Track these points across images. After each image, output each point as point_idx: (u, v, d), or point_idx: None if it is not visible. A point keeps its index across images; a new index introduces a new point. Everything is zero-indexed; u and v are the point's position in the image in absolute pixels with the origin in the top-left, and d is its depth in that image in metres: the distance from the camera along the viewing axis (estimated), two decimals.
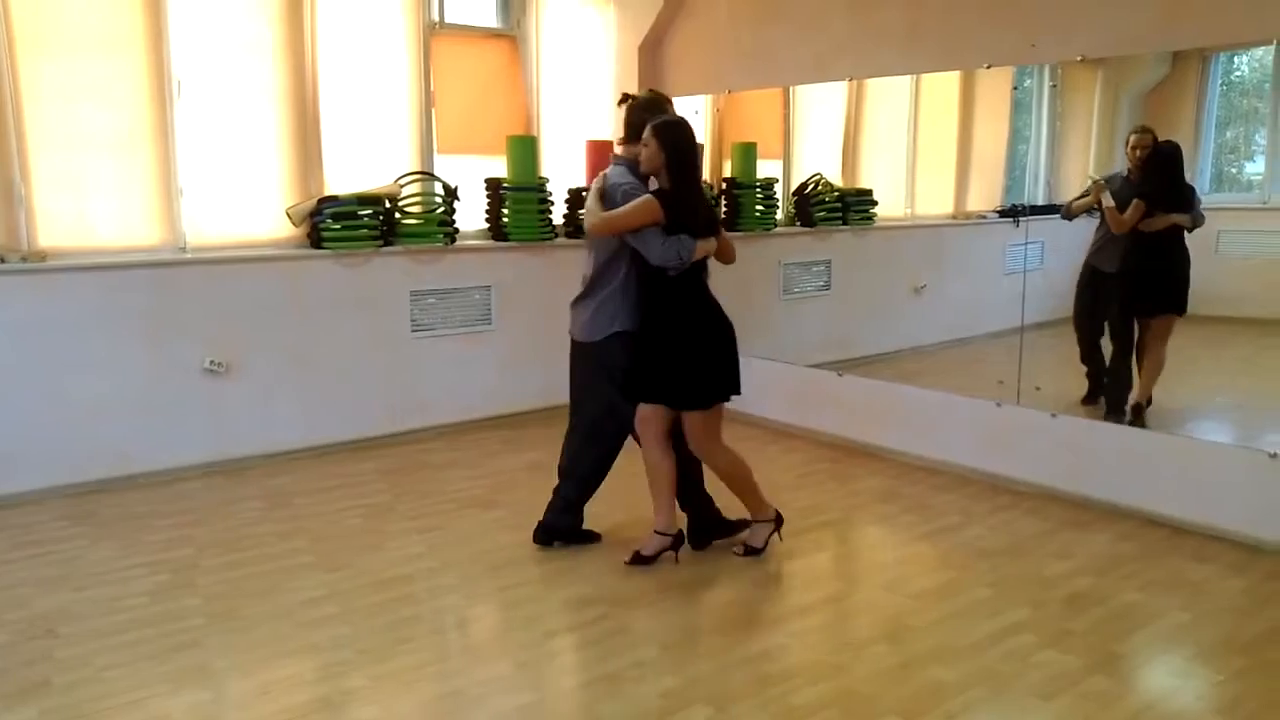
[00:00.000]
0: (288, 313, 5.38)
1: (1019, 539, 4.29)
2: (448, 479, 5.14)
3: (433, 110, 6.00)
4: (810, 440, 5.80)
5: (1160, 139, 4.90)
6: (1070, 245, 5.60)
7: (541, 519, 4.19)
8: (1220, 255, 5.09)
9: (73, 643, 3.34)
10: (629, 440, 4.13)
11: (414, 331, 5.84)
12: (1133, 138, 4.94)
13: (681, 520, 4.11)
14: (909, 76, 5.73)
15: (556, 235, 6.38)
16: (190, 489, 4.95)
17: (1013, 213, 5.41)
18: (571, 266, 6.38)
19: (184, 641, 3.35)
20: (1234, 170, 5.26)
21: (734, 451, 4.02)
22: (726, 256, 3.95)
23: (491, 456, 5.54)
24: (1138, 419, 4.85)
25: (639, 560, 3.95)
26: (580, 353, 4.13)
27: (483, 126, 6.26)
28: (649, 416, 3.92)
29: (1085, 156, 5.57)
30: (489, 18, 6.35)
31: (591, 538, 4.22)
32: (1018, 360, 5.00)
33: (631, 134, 3.90)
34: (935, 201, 6.26)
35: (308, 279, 5.45)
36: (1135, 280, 4.98)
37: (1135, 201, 4.84)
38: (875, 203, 6.26)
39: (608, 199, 3.81)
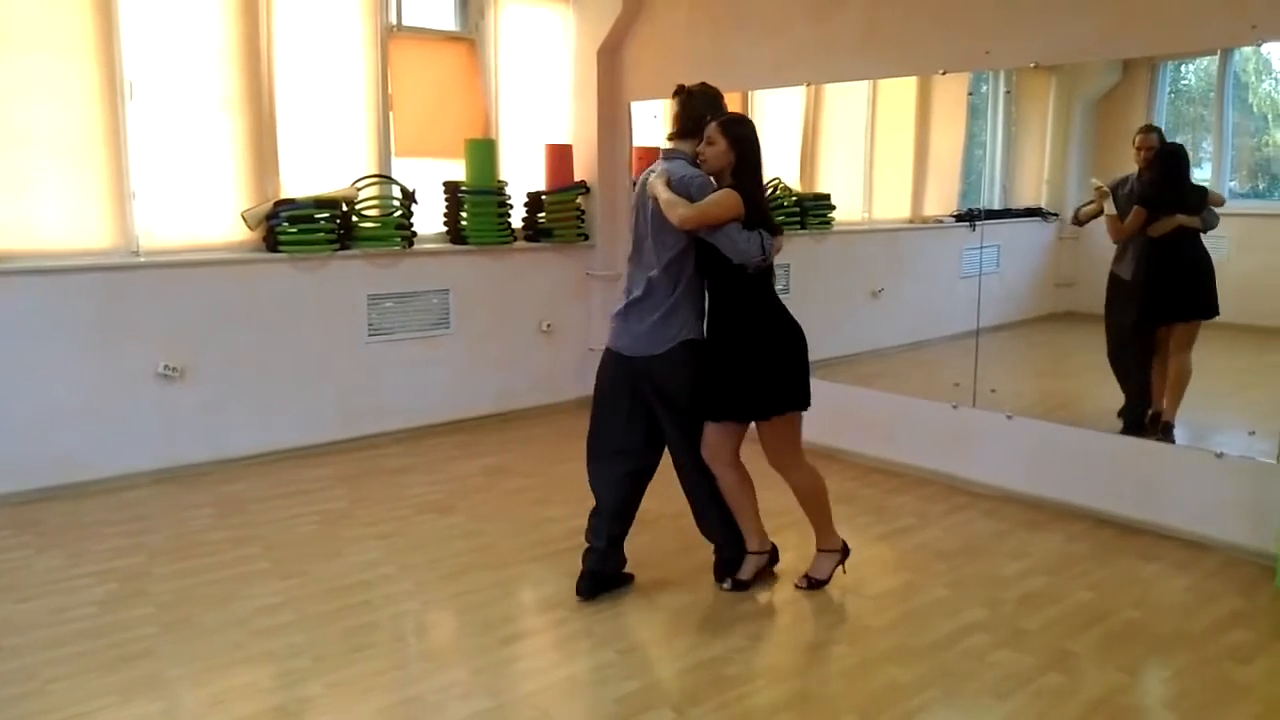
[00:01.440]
0: (243, 317, 5.32)
1: (975, 540, 4.34)
2: (405, 484, 5.10)
3: (390, 113, 5.95)
4: None
5: (1165, 141, 4.74)
6: (1026, 249, 5.67)
7: (586, 568, 3.74)
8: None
9: (17, 655, 3.27)
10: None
11: (371, 335, 5.80)
12: (1137, 138, 4.75)
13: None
14: (866, 82, 5.78)
15: (515, 239, 6.36)
16: (142, 496, 4.87)
17: (969, 217, 5.46)
18: (530, 270, 6.44)
19: (134, 651, 3.29)
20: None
21: (815, 469, 3.83)
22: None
23: (449, 461, 5.50)
24: (1165, 434, 4.64)
25: (739, 586, 3.78)
26: (631, 370, 3.67)
27: (441, 129, 6.22)
28: (723, 439, 3.67)
29: (1040, 160, 5.64)
30: (447, 21, 6.32)
31: (627, 580, 3.86)
32: (973, 363, 5.06)
33: (691, 127, 3.63)
34: (892, 206, 6.31)
35: (263, 283, 5.39)
36: (1152, 287, 4.75)
37: (1135, 208, 4.68)
38: (833, 207, 6.30)
39: (684, 193, 3.51)
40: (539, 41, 6.57)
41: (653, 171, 3.65)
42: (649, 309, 3.62)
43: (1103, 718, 2.94)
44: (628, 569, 3.84)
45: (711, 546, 3.90)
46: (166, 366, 5.07)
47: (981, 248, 5.25)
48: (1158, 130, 4.74)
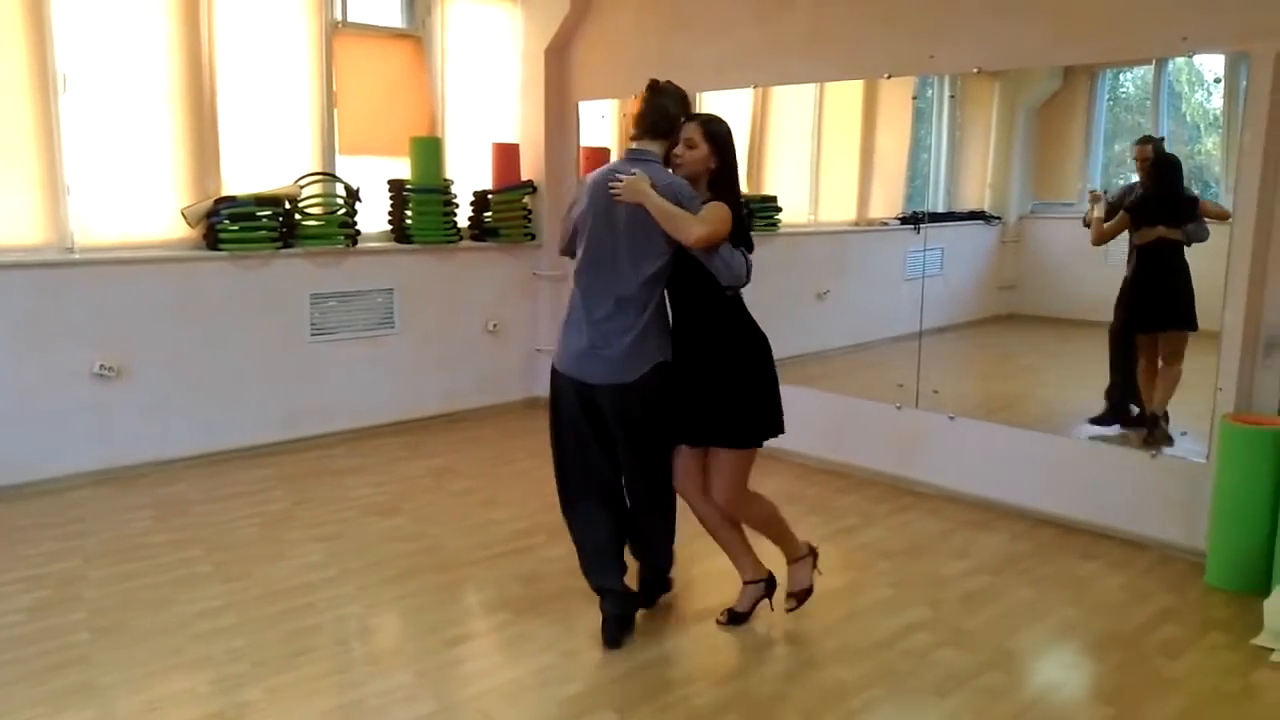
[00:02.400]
0: (182, 316, 5.22)
1: (919, 539, 4.39)
2: (348, 486, 5.05)
3: (335, 110, 5.88)
4: None
5: (1159, 148, 4.77)
6: (969, 251, 5.75)
7: (608, 613, 3.41)
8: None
9: None
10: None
11: (314, 335, 5.72)
12: (1134, 149, 4.80)
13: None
14: (813, 84, 5.82)
15: (461, 238, 6.32)
16: (79, 498, 4.76)
17: (914, 220, 5.52)
18: (476, 269, 6.40)
19: (66, 659, 3.22)
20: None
21: (761, 496, 3.59)
22: None
23: (394, 462, 5.45)
24: (1153, 429, 4.65)
25: (736, 618, 3.54)
26: (594, 399, 3.32)
27: (386, 127, 6.16)
28: (696, 466, 3.44)
29: (983, 164, 5.73)
30: (393, 17, 6.25)
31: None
32: (916, 364, 5.12)
33: (665, 127, 3.30)
34: (838, 208, 6.36)
35: (203, 281, 5.29)
36: (1135, 294, 4.78)
37: (1120, 214, 4.73)
38: (779, 209, 6.33)
39: (675, 202, 3.17)
40: (486, 40, 6.53)
41: (616, 173, 3.25)
42: (619, 331, 3.25)
43: (1039, 714, 2.99)
44: (632, 592, 3.56)
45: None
46: (102, 366, 4.97)
47: (925, 250, 5.31)
48: (1154, 141, 4.75)
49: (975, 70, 4.81)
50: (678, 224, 3.12)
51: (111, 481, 4.98)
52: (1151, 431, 4.66)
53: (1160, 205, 4.63)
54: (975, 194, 5.72)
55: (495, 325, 6.51)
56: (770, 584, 3.61)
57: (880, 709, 3.01)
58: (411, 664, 3.25)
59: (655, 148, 3.32)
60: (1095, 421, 4.86)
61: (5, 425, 4.74)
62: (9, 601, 3.64)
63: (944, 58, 4.84)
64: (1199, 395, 4.18)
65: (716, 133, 3.28)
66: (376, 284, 5.95)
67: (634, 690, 3.08)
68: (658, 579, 3.72)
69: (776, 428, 3.46)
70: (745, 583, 3.59)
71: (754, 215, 6.38)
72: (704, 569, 4.05)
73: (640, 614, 3.59)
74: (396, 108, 6.23)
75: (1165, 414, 4.64)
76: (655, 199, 3.14)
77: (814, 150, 6.22)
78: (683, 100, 3.38)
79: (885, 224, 6.13)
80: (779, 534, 3.61)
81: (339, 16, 5.87)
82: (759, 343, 3.42)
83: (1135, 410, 4.81)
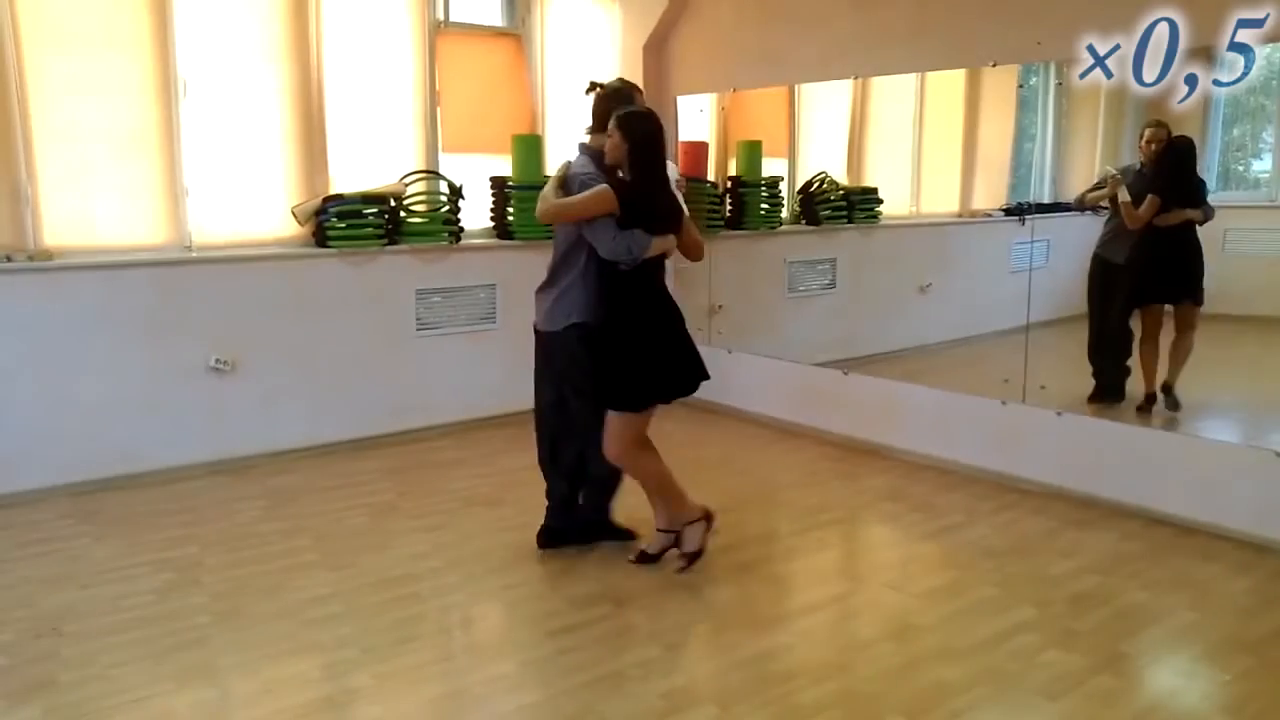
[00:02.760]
0: (293, 311, 5.39)
1: (1024, 538, 4.28)
2: (452, 477, 5.14)
3: (438, 109, 6.00)
4: (815, 439, 5.79)
5: (1174, 134, 4.86)
6: (1076, 243, 5.57)
7: (544, 523, 4.16)
8: (1226, 251, 5.06)
9: (78, 641, 3.35)
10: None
11: (419, 330, 5.85)
12: (1147, 132, 4.90)
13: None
14: (914, 75, 5.72)
15: None
16: (194, 488, 4.95)
17: (1018, 211, 5.38)
18: None
19: (189, 640, 3.36)
20: (1240, 168, 5.24)
21: (654, 455, 3.90)
22: (692, 253, 3.89)
23: (497, 455, 5.54)
24: (1170, 404, 4.87)
25: (645, 559, 3.94)
26: (540, 342, 4.05)
27: (488, 125, 6.26)
28: (621, 428, 3.80)
29: (1091, 154, 5.55)
30: (494, 17, 6.34)
31: (611, 534, 4.19)
32: (1023, 359, 4.99)
33: (598, 123, 3.84)
34: (941, 199, 6.24)
35: (313, 278, 5.45)
36: (1148, 271, 4.96)
37: (1150, 197, 4.82)
38: (880, 201, 6.25)
39: (567, 187, 3.73)
40: (585, 36, 6.58)
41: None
42: (551, 291, 3.90)
43: None
44: (629, 527, 4.16)
45: (757, 544, 3.99)
46: (218, 360, 5.16)
47: (1031, 242, 5.17)
48: (1166, 125, 4.84)
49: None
50: (540, 203, 3.75)
51: (225, 472, 5.17)
52: (1167, 400, 4.87)
53: (1186, 187, 4.81)
54: (1083, 184, 5.53)
55: None
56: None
57: (986, 709, 2.94)
58: (515, 654, 3.30)
59: (596, 141, 3.83)
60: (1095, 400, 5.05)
61: (127, 417, 4.96)
62: (138, 583, 3.81)
63: (1051, 44, 4.70)
64: None
65: (626, 124, 3.64)
66: (479, 280, 6.05)
67: (735, 684, 3.07)
68: (599, 520, 4.17)
69: (650, 398, 3.78)
70: (658, 530, 3.95)
71: (855, 207, 6.32)
72: (804, 564, 4.02)
73: (745, 607, 3.63)
74: (498, 106, 6.32)
75: (1169, 387, 4.91)
76: (547, 187, 3.75)
77: (915, 141, 6.12)
78: (622, 96, 3.86)
79: (989, 215, 5.99)
80: (671, 497, 3.90)
81: (441, 16, 5.98)
82: (653, 316, 3.76)
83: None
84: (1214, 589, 3.77)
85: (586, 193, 3.64)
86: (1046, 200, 5.43)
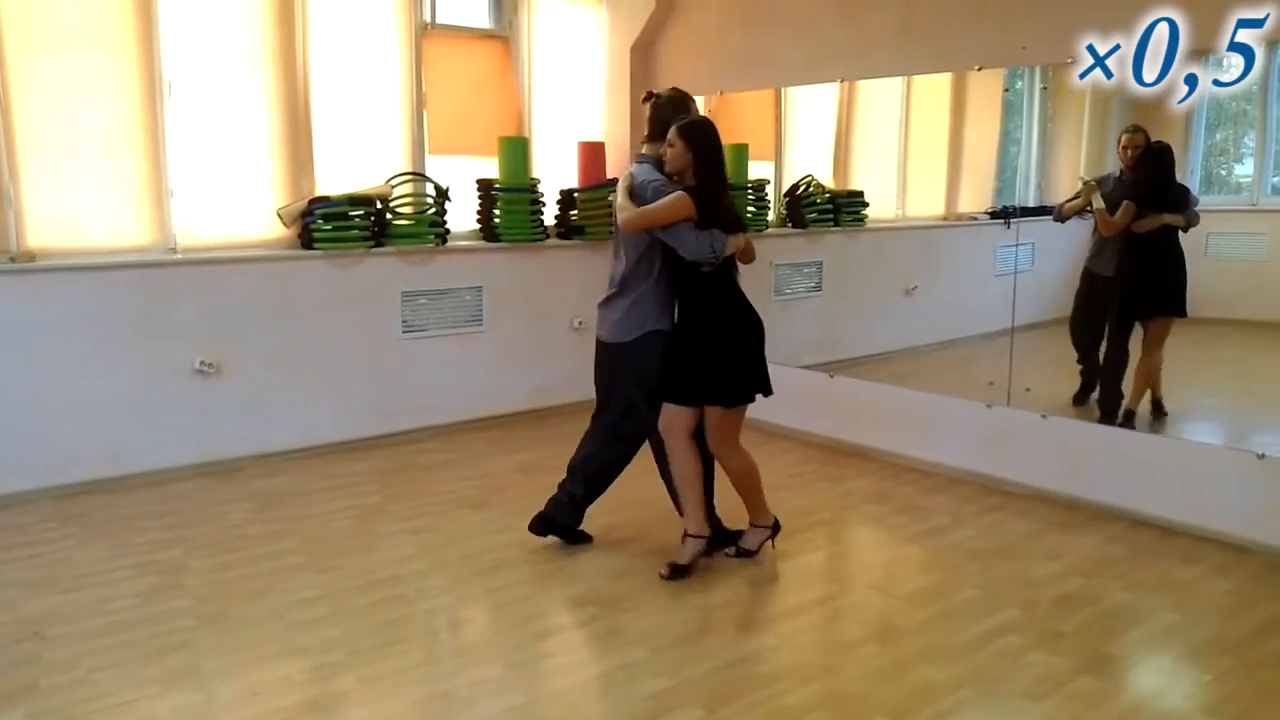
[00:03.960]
0: (278, 313, 5.37)
1: (1009, 540, 4.30)
2: (439, 480, 5.14)
3: (424, 111, 5.99)
4: (802, 441, 5.81)
5: (1152, 139, 4.86)
6: (1061, 247, 5.61)
7: (543, 509, 4.15)
8: (1211, 258, 5.10)
9: (61, 645, 3.33)
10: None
11: (405, 332, 5.84)
12: (1124, 137, 4.91)
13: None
14: (900, 78, 5.74)
15: (548, 236, 6.38)
16: (180, 490, 4.93)
17: (1004, 214, 5.41)
18: (563, 267, 6.45)
19: (174, 643, 3.34)
20: (1222, 172, 5.27)
21: (748, 455, 4.00)
22: (748, 256, 3.94)
23: (483, 457, 5.53)
24: (1129, 423, 4.79)
25: (678, 572, 3.86)
26: (608, 354, 4.04)
27: (474, 127, 6.25)
28: (679, 415, 3.86)
29: (1076, 158, 5.58)
30: (481, 18, 6.34)
31: (584, 539, 4.21)
32: (1008, 362, 5.01)
33: (657, 132, 3.87)
34: (926, 203, 6.27)
35: (299, 280, 5.44)
36: (1131, 283, 4.94)
37: (1125, 203, 4.80)
38: (866, 204, 6.27)
39: (637, 196, 3.78)
40: (572, 39, 6.59)
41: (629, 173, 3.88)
42: (620, 301, 3.93)
43: None
44: (587, 533, 4.20)
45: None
46: (203, 362, 5.14)
47: (1016, 245, 5.20)
48: (1144, 130, 4.84)
49: (1069, 61, 4.68)
50: (619, 212, 3.78)
51: (211, 474, 5.15)
52: (1157, 419, 4.79)
53: (1163, 192, 4.76)
54: (1068, 188, 5.56)
55: (581, 323, 6.56)
56: (711, 544, 3.98)
57: (971, 711, 2.96)
58: (501, 656, 3.30)
59: (654, 149, 3.88)
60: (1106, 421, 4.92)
61: (113, 419, 4.94)
62: (122, 586, 3.80)
63: (1036, 49, 4.73)
64: None
65: (690, 134, 3.74)
66: (465, 282, 6.05)
67: (721, 687, 3.08)
68: (719, 531, 4.08)
69: (752, 391, 3.88)
70: (687, 535, 3.91)
71: (841, 210, 6.34)
72: (791, 566, 4.03)
73: (731, 609, 3.64)
74: (485, 108, 6.32)
75: (1158, 402, 4.83)
76: (619, 194, 3.81)
77: (901, 144, 6.14)
78: (679, 105, 3.94)
79: (975, 219, 6.02)
80: (754, 497, 4.03)
81: (428, 18, 5.98)
82: (741, 314, 3.86)
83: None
84: (1196, 590, 3.79)
85: (667, 198, 3.69)
86: (1031, 204, 5.46)
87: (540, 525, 4.14)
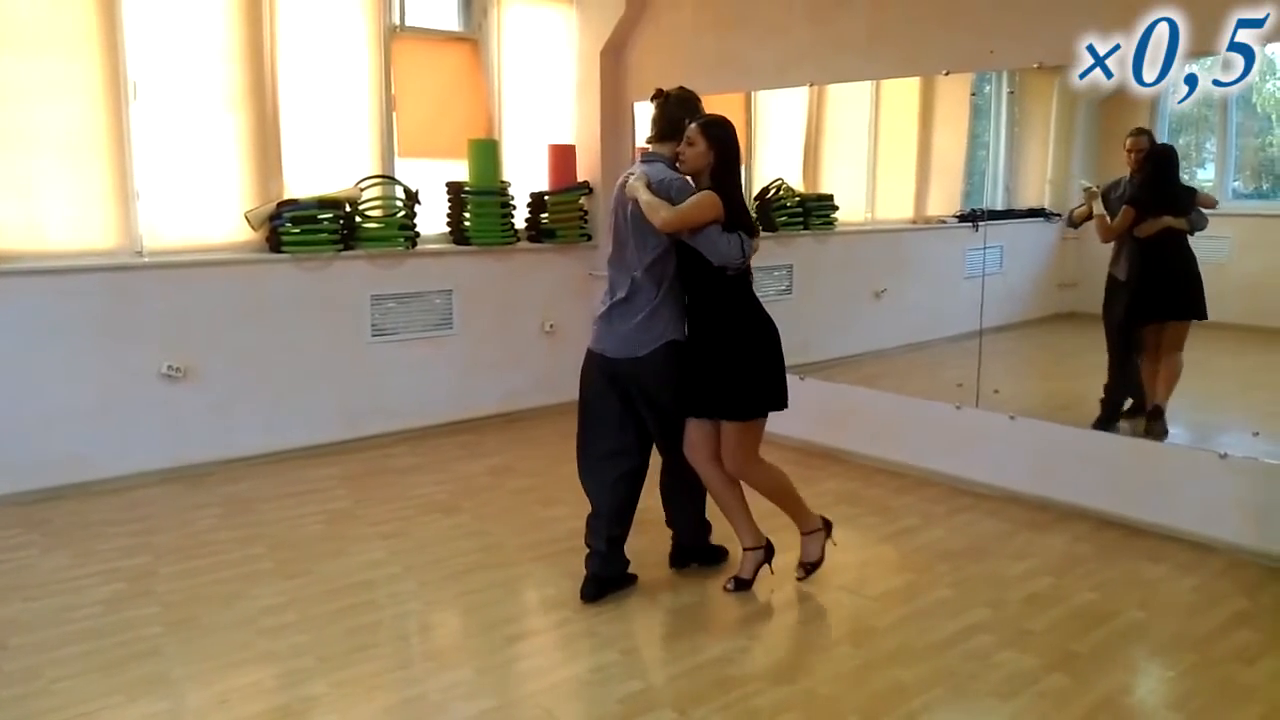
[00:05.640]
0: (246, 317, 5.32)
1: (979, 540, 4.34)
2: (409, 484, 5.11)
3: (394, 113, 5.96)
4: (772, 443, 5.76)
5: (1155, 142, 4.76)
6: (1029, 249, 5.67)
7: (589, 571, 3.74)
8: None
9: (22, 655, 3.28)
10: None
11: (374, 336, 5.81)
12: (1128, 140, 4.79)
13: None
14: (869, 82, 5.78)
15: (518, 239, 6.37)
16: (148, 496, 4.88)
17: (972, 217, 5.46)
18: (534, 271, 6.44)
19: (140, 651, 3.30)
20: (1186, 177, 5.34)
21: (772, 465, 3.85)
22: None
23: (453, 461, 5.51)
24: (1153, 423, 4.69)
25: (740, 586, 3.78)
26: (616, 372, 3.68)
27: (444, 130, 6.23)
28: (704, 435, 3.69)
29: (1043, 162, 5.64)
30: (450, 21, 6.33)
31: (630, 580, 3.87)
32: (977, 364, 5.06)
33: (669, 131, 3.65)
34: (895, 206, 6.31)
35: (267, 283, 5.40)
36: (1141, 286, 4.81)
37: (1123, 208, 4.72)
38: (836, 207, 6.30)
39: (662, 195, 3.53)
40: (542, 41, 6.58)
41: (631, 174, 3.66)
42: (632, 311, 3.64)
43: (1107, 719, 2.94)
44: (631, 569, 3.85)
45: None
46: (170, 367, 5.08)
47: (984, 248, 5.24)
48: (1148, 132, 4.76)
49: (1036, 65, 4.74)
50: (652, 212, 3.48)
51: (179, 480, 5.10)
52: (1152, 425, 4.67)
53: (1164, 195, 4.66)
54: (1035, 191, 5.63)
55: (552, 326, 6.55)
56: (769, 551, 3.86)
57: (942, 711, 2.98)
58: (472, 660, 3.29)
59: (664, 149, 3.68)
60: (1099, 427, 4.77)
61: (78, 424, 4.87)
62: (86, 594, 3.74)
63: (1004, 53, 4.77)
64: (1273, 395, 4.08)
65: (713, 132, 3.58)
66: (435, 285, 6.02)
67: (693, 688, 3.08)
68: (692, 546, 3.99)
69: (776, 402, 3.72)
70: (745, 549, 3.82)
71: (810, 214, 6.37)
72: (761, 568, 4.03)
73: (703, 611, 3.63)
74: (454, 110, 6.30)
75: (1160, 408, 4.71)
76: (642, 194, 3.52)
77: (871, 148, 6.18)
78: (690, 104, 3.71)
79: (943, 222, 6.07)
80: (790, 505, 3.88)
81: (397, 20, 5.95)
82: (760, 323, 3.70)
83: (1129, 403, 4.85)
84: (1161, 588, 3.84)
85: (698, 198, 3.51)
86: (999, 207, 5.51)
87: (596, 590, 3.71)
